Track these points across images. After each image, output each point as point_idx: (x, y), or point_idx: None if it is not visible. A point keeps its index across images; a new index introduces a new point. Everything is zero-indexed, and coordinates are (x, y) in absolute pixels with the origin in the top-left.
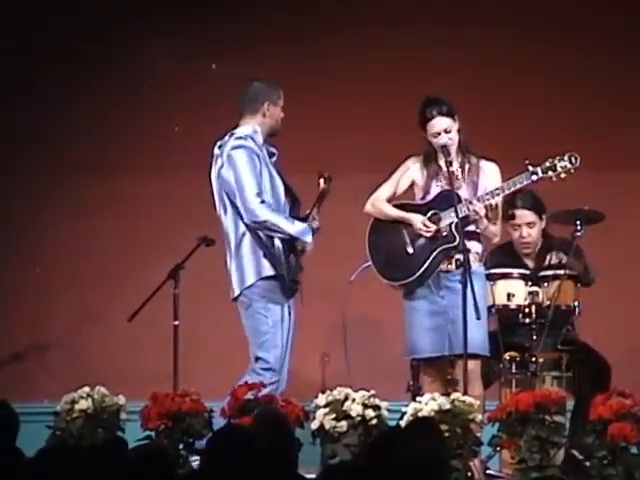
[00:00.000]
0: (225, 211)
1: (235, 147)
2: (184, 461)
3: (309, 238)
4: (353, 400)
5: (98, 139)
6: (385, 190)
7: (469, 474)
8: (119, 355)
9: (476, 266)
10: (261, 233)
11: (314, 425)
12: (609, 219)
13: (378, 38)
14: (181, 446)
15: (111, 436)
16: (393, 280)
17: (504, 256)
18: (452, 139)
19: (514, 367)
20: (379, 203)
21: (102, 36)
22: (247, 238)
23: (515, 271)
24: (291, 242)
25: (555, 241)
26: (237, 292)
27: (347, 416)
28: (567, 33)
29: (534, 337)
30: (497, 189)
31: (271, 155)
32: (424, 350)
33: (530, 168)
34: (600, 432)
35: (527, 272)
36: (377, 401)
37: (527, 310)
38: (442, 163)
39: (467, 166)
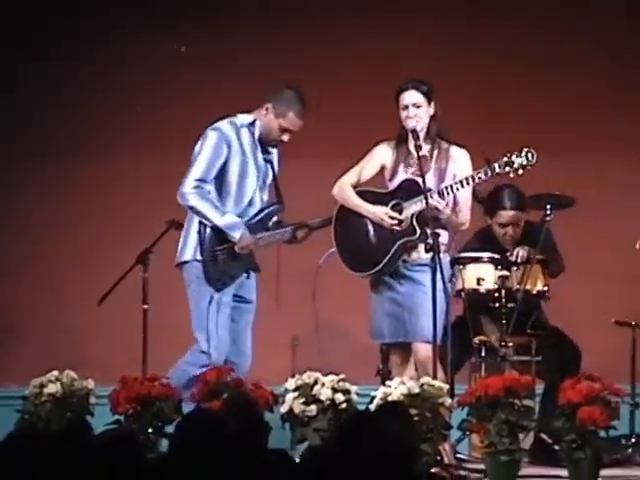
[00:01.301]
0: None
1: (212, 128)
2: (153, 445)
3: (236, 234)
4: (323, 384)
5: (69, 121)
6: (352, 175)
7: (439, 458)
8: (88, 339)
9: (441, 256)
10: (197, 218)
11: (283, 409)
12: (577, 202)
13: (359, 26)
14: (150, 430)
15: (74, 419)
16: (356, 271)
17: (484, 242)
18: (419, 117)
19: (483, 351)
20: (346, 188)
21: (70, 18)
22: (196, 218)
23: (485, 255)
24: (224, 234)
25: (531, 228)
26: (176, 262)
27: (317, 400)
28: (549, 22)
29: (504, 321)
30: (456, 184)
31: (266, 152)
32: (382, 335)
33: (487, 163)
34: (569, 416)
35: (497, 256)
36: (347, 385)
37: (497, 294)
38: (412, 147)
39: (436, 152)
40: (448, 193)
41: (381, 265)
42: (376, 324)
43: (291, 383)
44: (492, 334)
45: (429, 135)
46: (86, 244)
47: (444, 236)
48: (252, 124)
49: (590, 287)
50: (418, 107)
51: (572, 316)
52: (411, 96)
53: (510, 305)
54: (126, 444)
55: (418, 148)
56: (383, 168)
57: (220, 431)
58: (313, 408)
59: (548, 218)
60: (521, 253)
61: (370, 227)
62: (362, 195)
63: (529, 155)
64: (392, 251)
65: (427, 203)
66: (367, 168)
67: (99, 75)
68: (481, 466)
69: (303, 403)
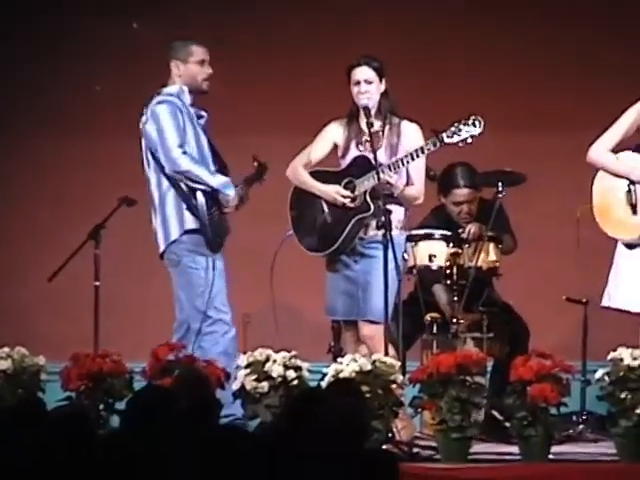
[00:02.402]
0: (149, 167)
1: (159, 102)
2: (104, 422)
3: (231, 191)
4: (274, 361)
5: (19, 98)
6: (305, 155)
7: (390, 435)
8: (39, 315)
9: (396, 233)
10: (184, 186)
11: (235, 386)
12: (528, 179)
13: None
14: (102, 407)
15: (27, 396)
16: (313, 251)
17: (441, 219)
18: (370, 93)
19: (435, 328)
20: (299, 169)
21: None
22: (171, 193)
23: (437, 232)
24: (213, 196)
25: (485, 205)
26: (162, 247)
27: (268, 377)
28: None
29: (455, 298)
30: (406, 156)
31: (199, 117)
32: (337, 312)
33: (435, 134)
34: (520, 393)
35: (449, 233)
36: (298, 362)
37: (448, 271)
38: (363, 124)
39: (387, 128)
40: (399, 166)
41: (337, 244)
42: (331, 301)
43: (243, 360)
44: (444, 302)
45: (380, 112)
46: (37, 220)
47: (399, 212)
48: (181, 92)
49: (542, 264)
50: (370, 83)
51: (524, 293)
52: (363, 72)
53: (462, 282)
54: (78, 421)
55: (370, 125)
56: (335, 146)
57: (171, 408)
58: (265, 385)
59: (500, 195)
60: (473, 230)
61: (325, 207)
62: (316, 175)
63: (476, 122)
64: (347, 229)
65: (379, 178)
66: (319, 148)
67: (47, 53)
68: (433, 443)
69: (255, 380)
